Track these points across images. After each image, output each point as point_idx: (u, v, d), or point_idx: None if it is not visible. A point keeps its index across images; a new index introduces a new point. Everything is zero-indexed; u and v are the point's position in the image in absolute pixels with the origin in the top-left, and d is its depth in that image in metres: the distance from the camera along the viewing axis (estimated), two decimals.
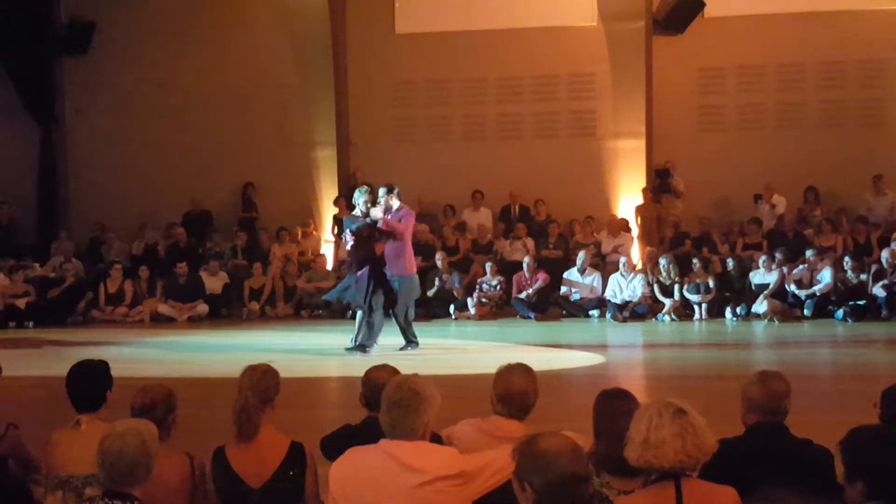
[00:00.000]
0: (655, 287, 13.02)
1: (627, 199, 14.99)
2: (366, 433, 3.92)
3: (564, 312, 13.33)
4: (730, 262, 13.25)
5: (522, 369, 3.87)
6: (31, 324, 13.20)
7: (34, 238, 15.93)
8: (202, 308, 13.70)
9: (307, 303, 13.74)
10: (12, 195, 15.97)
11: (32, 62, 16.09)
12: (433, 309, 13.24)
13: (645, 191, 14.77)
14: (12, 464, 4.40)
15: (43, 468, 4.28)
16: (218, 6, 16.05)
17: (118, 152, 16.26)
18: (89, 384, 4.30)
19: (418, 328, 11.82)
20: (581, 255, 13.51)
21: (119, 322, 13.50)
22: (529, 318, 12.97)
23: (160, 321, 13.47)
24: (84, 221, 16.23)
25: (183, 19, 16.00)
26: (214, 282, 14.10)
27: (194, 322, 13.39)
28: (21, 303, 13.41)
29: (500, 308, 13.47)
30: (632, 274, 13.17)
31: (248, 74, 15.89)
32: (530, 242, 14.41)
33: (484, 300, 13.34)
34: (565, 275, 13.57)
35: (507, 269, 13.92)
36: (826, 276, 12.40)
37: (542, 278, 13.40)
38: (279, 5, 15.56)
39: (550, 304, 13.38)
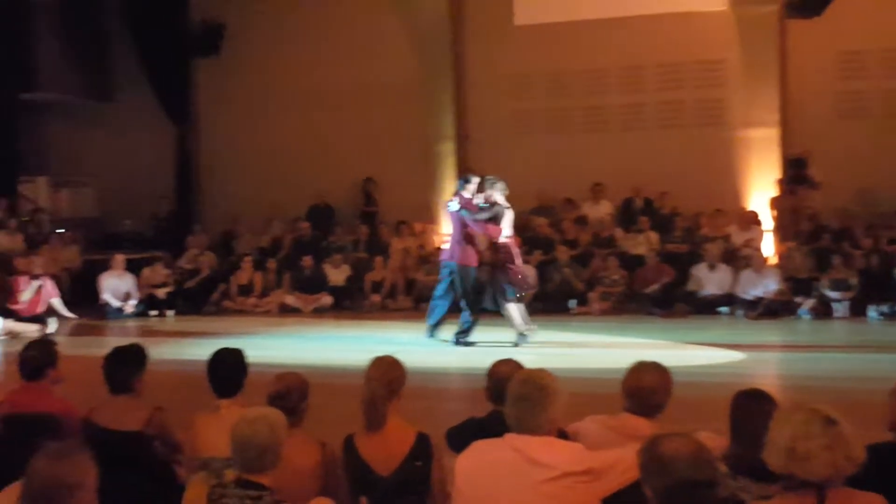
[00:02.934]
0: (790, 283, 12.47)
1: (759, 190, 14.45)
2: (491, 426, 3.95)
3: (691, 309, 12.84)
4: (873, 258, 12.47)
5: (655, 367, 3.82)
6: (170, 313, 13.84)
7: (174, 231, 16.65)
8: (326, 300, 14.02)
9: (426, 296, 13.85)
10: (154, 192, 16.75)
11: (169, 65, 16.80)
12: (552, 304, 13.16)
13: (779, 182, 14.25)
14: (158, 445, 4.64)
15: (186, 450, 4.50)
16: (341, 5, 16.35)
17: (247, 150, 16.83)
18: (228, 370, 4.50)
19: (538, 322, 11.81)
20: (709, 250, 13.15)
21: (249, 312, 13.94)
22: (653, 314, 12.70)
23: (287, 312, 13.86)
24: (217, 216, 16.88)
25: (307, 19, 16.38)
26: (337, 274, 14.41)
27: (319, 313, 13.71)
28: (161, 293, 14.08)
29: (621, 304, 13.24)
30: (764, 269, 12.72)
31: (370, 71, 16.14)
32: (654, 236, 14.11)
33: (605, 295, 13.18)
34: (692, 270, 13.19)
35: (630, 263, 13.69)
36: None
37: (666, 273, 13.13)
38: (400, 1, 15.76)
39: (676, 301, 12.99)
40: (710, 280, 13.01)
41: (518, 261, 9.98)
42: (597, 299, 13.09)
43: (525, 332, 9.82)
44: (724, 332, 11.28)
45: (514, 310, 9.81)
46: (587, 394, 6.51)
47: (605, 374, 8.15)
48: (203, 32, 16.94)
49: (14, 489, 3.26)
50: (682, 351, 9.81)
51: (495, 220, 9.81)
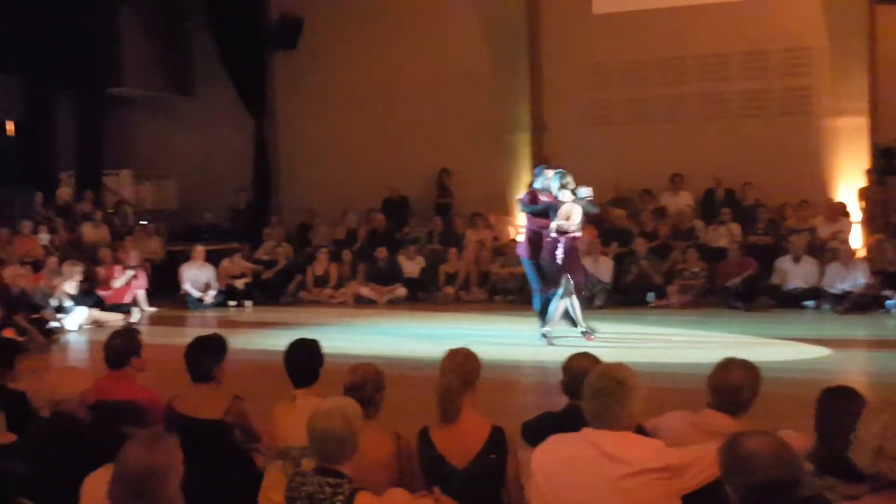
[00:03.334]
0: (879, 277, 11.98)
1: (847, 181, 13.96)
2: (567, 421, 3.90)
3: (775, 303, 12.45)
4: None
5: (744, 365, 3.73)
6: (248, 303, 14.10)
7: (251, 223, 16.95)
8: (400, 291, 14.10)
9: (501, 288, 13.84)
10: (233, 185, 17.07)
11: (248, 59, 17.10)
12: (630, 296, 12.99)
13: (868, 172, 13.77)
14: (237, 433, 4.71)
15: (264, 438, 4.56)
16: None
17: (323, 142, 17.02)
18: (304, 361, 4.55)
19: (615, 315, 11.70)
20: (794, 242, 12.80)
21: (324, 303, 14.10)
22: (735, 308, 12.39)
23: (362, 303, 13.98)
24: (293, 208, 17.11)
25: (383, 11, 16.45)
26: (412, 266, 14.48)
27: (393, 305, 13.79)
28: (240, 283, 14.35)
29: (701, 297, 12.98)
30: (852, 262, 12.29)
31: (445, 62, 16.16)
32: (736, 228, 13.79)
33: (684, 288, 12.95)
34: (777, 262, 12.82)
35: (710, 255, 13.42)
36: None
37: (749, 266, 12.83)
38: None
39: (759, 294, 12.61)
40: (795, 273, 12.66)
41: (566, 257, 9.69)
42: (676, 292, 12.87)
43: (546, 335, 9.66)
44: (809, 327, 10.93)
45: (555, 305, 9.66)
46: (666, 389, 6.42)
47: (684, 369, 8.04)
48: (281, 26, 17.18)
49: (102, 473, 3.35)
50: (766, 346, 9.57)
51: (546, 213, 9.66)
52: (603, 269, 13.23)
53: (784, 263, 12.80)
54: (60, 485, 3.75)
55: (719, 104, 15.02)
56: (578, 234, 9.77)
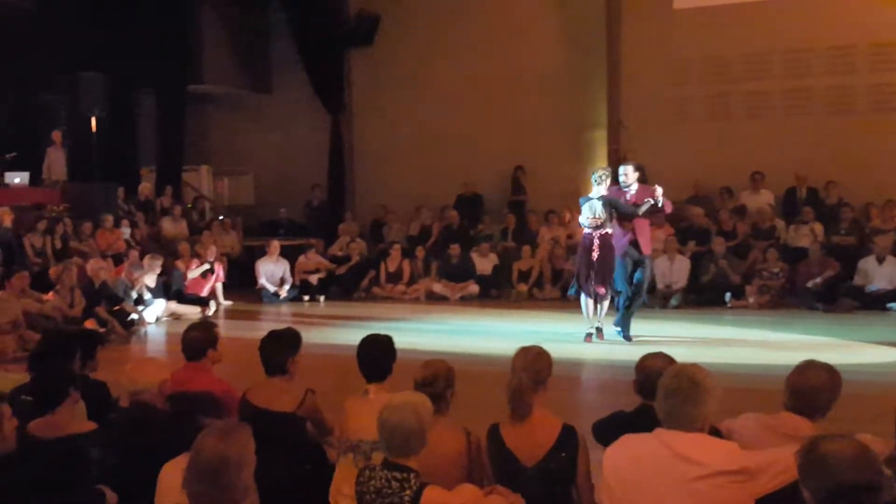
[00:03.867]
0: None
1: None
2: (639, 421, 3.86)
3: (858, 304, 12.10)
4: None
5: (825, 368, 3.64)
6: (322, 298, 14.27)
7: (326, 219, 17.14)
8: (473, 288, 14.10)
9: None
10: (309, 181, 17.30)
11: (325, 55, 17.29)
12: (707, 296, 12.76)
13: None
14: (310, 426, 4.77)
15: (336, 432, 4.61)
16: None
17: (398, 138, 17.12)
18: (377, 356, 4.58)
19: (691, 316, 11.52)
20: (879, 243, 12.39)
21: (397, 299, 14.18)
22: (816, 309, 12.06)
23: (434, 299, 14.01)
24: (367, 204, 17.26)
25: (460, 8, 16.47)
26: (485, 263, 14.46)
27: (465, 301, 13.80)
28: (314, 279, 14.53)
29: (781, 298, 12.68)
30: None
31: (522, 59, 16.10)
32: (819, 227, 13.43)
33: (763, 289, 12.66)
34: (860, 263, 12.45)
35: (791, 255, 13.09)
36: None
37: (831, 266, 12.47)
38: None
39: (841, 295, 12.25)
40: (880, 274, 12.28)
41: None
42: (754, 293, 12.59)
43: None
44: (893, 330, 10.58)
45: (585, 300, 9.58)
46: (742, 391, 6.29)
47: (761, 371, 7.87)
48: (358, 24, 17.33)
49: (179, 462, 3.42)
50: (846, 348, 9.30)
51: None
52: (679, 268, 13.02)
53: (868, 264, 12.43)
54: (138, 473, 3.84)
55: (803, 100, 14.64)
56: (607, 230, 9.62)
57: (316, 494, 4.40)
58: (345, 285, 14.69)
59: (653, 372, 3.91)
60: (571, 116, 15.87)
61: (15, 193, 13.71)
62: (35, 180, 14.38)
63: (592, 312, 9.62)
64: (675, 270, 12.96)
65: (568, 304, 13.00)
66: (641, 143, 14.96)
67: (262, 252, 14.66)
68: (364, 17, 17.29)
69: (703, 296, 12.77)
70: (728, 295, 12.73)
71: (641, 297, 9.75)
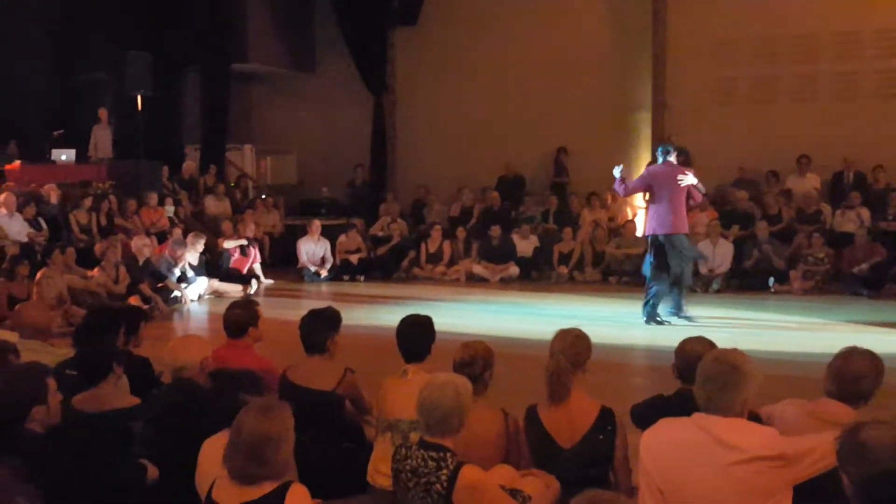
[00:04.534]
0: None
1: None
2: (678, 405, 3.84)
3: None
4: None
5: (867, 354, 3.60)
6: (362, 278, 14.35)
7: (367, 199, 17.21)
8: (513, 270, 14.07)
9: (615, 269, 13.65)
10: (351, 160, 17.36)
11: (369, 34, 17.25)
12: (750, 281, 12.61)
13: None
14: (349, 405, 4.82)
15: (374, 411, 4.65)
16: None
17: (440, 119, 17.08)
18: (416, 336, 4.60)
19: (733, 300, 11.40)
20: None
21: (437, 280, 14.19)
22: (861, 295, 11.86)
23: (474, 280, 14.01)
24: (408, 184, 17.26)
25: None
26: (525, 245, 14.42)
27: (505, 283, 13.78)
28: (354, 258, 14.61)
29: (825, 283, 12.47)
30: None
31: (566, 39, 15.95)
32: (865, 213, 13.16)
33: (808, 274, 12.47)
34: None
35: (837, 241, 12.85)
36: None
37: (877, 252, 12.25)
38: None
39: (887, 282, 11.98)
40: None
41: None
42: (798, 278, 12.41)
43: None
44: None
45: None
46: (783, 376, 6.23)
47: (803, 357, 7.78)
48: (403, 3, 17.29)
49: (220, 438, 3.48)
50: (891, 335, 9.12)
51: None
52: (722, 252, 12.87)
53: None
54: (180, 448, 3.91)
55: (852, 83, 14.35)
56: None
57: (354, 472, 4.45)
58: (385, 265, 14.74)
59: (692, 356, 3.89)
60: (615, 98, 15.72)
61: (62, 170, 13.92)
62: (81, 158, 14.59)
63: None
64: (718, 254, 12.81)
65: (608, 286, 13.01)
66: (686, 125, 14.78)
67: (303, 231, 14.75)
68: None
69: (746, 280, 12.62)
70: (772, 280, 12.56)
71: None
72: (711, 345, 4.08)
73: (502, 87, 16.45)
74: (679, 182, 9.33)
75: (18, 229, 11.72)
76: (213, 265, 13.01)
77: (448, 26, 16.86)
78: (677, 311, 9.70)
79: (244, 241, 13.51)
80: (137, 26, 15.62)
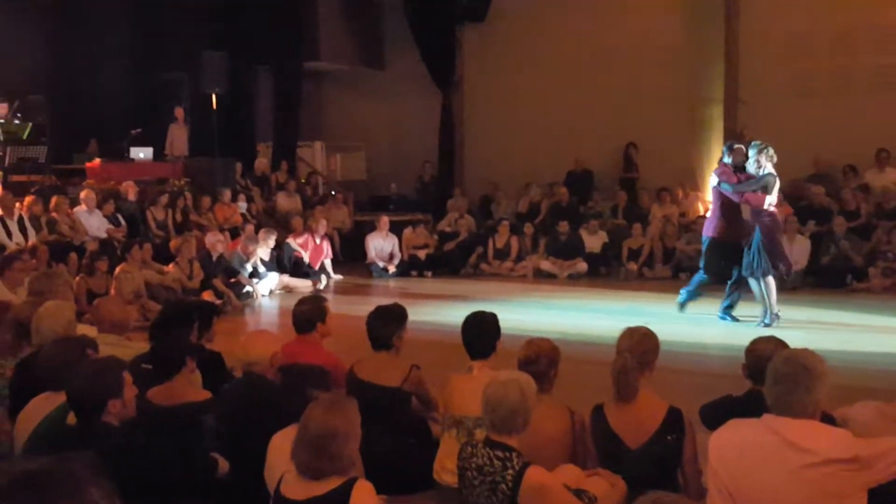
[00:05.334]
0: None
1: None
2: (748, 406, 3.78)
3: None
4: None
5: None
6: (429, 274, 14.40)
7: (435, 195, 17.27)
8: (581, 266, 13.96)
9: (686, 265, 13.42)
10: (419, 156, 17.44)
11: (438, 30, 17.30)
12: (827, 279, 12.28)
13: None
14: (415, 401, 4.84)
15: (440, 407, 4.67)
16: None
17: (508, 115, 17.04)
18: (481, 333, 4.61)
19: (809, 299, 11.13)
20: None
21: (504, 276, 14.15)
22: None
23: (542, 277, 13.93)
24: (476, 180, 17.27)
25: None
26: (594, 240, 14.29)
27: (573, 279, 13.67)
28: (422, 254, 14.67)
29: None
30: None
31: (636, 34, 15.75)
32: None
33: (888, 271, 12.10)
34: None
35: None
36: None
37: None
38: None
39: None
40: None
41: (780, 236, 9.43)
42: (878, 275, 12.05)
43: (778, 313, 9.22)
44: None
45: (772, 285, 9.24)
46: (859, 377, 6.07)
47: (881, 358, 7.57)
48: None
49: (288, 432, 3.53)
50: None
51: (764, 189, 9.21)
52: (799, 249, 12.57)
53: None
54: (250, 442, 3.98)
55: None
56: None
57: (420, 468, 4.47)
58: (452, 261, 14.76)
59: (763, 356, 3.83)
60: (687, 91, 15.49)
61: (139, 168, 14.29)
62: (158, 155, 14.95)
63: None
64: (794, 251, 12.53)
65: (679, 283, 12.77)
66: (760, 119, 14.46)
67: (372, 227, 14.87)
68: None
69: (822, 278, 12.30)
70: (849, 277, 12.23)
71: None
72: (783, 344, 4.01)
73: (571, 81, 16.33)
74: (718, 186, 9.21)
75: (98, 226, 12.04)
76: (282, 260, 13.18)
77: (516, 22, 16.80)
78: (724, 310, 9.54)
79: (317, 239, 13.58)
80: (213, 27, 15.93)
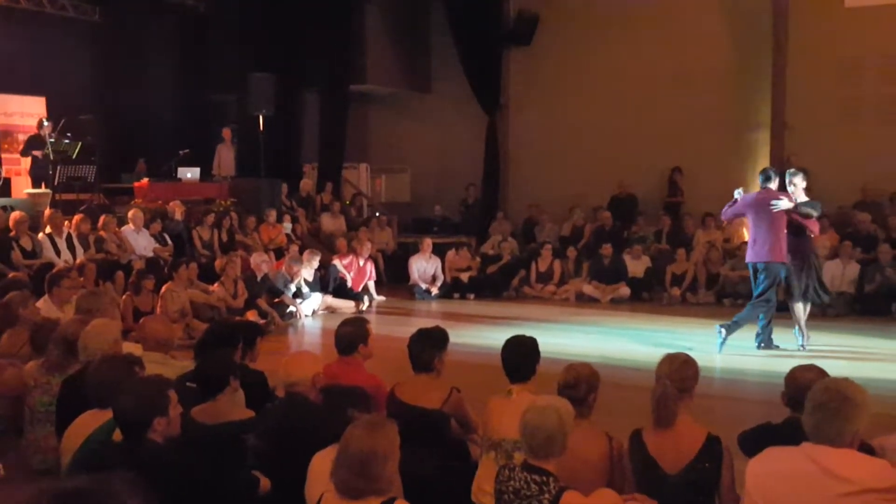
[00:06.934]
0: None
1: None
2: (787, 433, 3.75)
3: None
4: None
5: None
6: (472, 296, 14.43)
7: (479, 218, 17.33)
8: (624, 290, 13.90)
9: (730, 291, 13.31)
10: (464, 179, 17.52)
11: (484, 54, 17.44)
12: (872, 306, 12.11)
13: None
14: (454, 423, 4.87)
15: (479, 429, 4.69)
16: None
17: (553, 138, 17.10)
18: (521, 356, 4.63)
19: (854, 326, 10.97)
20: None
21: (547, 299, 14.15)
22: None
23: (584, 301, 13.90)
24: (520, 203, 17.32)
25: (619, 7, 16.29)
26: (637, 265, 14.24)
27: (616, 304, 13.61)
28: (465, 276, 14.71)
29: None
30: None
31: (682, 57, 15.76)
32: None
33: None
34: None
35: None
36: None
37: None
38: None
39: None
40: None
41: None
42: None
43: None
44: None
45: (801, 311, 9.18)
46: None
47: None
48: (518, 23, 17.41)
49: (329, 453, 3.59)
50: None
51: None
52: (850, 273, 12.43)
53: None
54: (290, 461, 4.04)
55: None
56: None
57: (459, 490, 4.49)
58: (495, 284, 14.79)
59: (803, 384, 3.81)
60: (733, 116, 15.43)
61: (187, 188, 14.51)
62: (206, 176, 15.20)
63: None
64: (847, 275, 12.37)
65: (722, 309, 12.68)
66: (807, 145, 14.36)
67: (415, 249, 14.96)
68: (524, 16, 17.36)
69: (867, 305, 12.13)
70: (894, 305, 12.03)
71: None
72: (822, 373, 3.99)
73: (616, 106, 16.35)
74: (772, 208, 9.07)
75: (145, 244, 12.25)
76: (327, 280, 13.30)
77: (562, 46, 16.89)
78: (760, 340, 9.43)
79: (361, 261, 13.67)
80: (261, 49, 16.22)
